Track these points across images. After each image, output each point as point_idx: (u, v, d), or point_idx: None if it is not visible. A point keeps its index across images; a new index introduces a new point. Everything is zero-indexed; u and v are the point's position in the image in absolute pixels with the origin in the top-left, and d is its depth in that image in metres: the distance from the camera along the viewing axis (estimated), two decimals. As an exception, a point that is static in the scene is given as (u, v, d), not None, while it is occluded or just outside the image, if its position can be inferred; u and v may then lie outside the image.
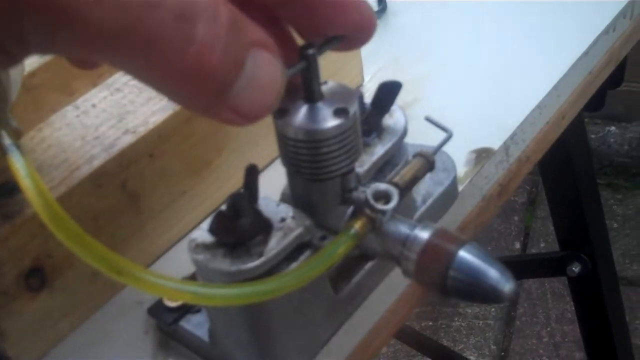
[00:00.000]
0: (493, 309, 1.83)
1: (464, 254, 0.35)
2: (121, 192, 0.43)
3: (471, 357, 1.71)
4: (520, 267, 1.00)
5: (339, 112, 0.36)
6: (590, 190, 0.87)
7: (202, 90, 0.27)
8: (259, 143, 0.50)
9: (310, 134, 0.35)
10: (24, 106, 0.46)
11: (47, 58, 0.50)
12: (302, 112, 0.36)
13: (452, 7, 0.66)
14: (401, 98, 0.43)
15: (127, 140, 0.43)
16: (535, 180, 2.08)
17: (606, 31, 0.61)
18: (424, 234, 0.36)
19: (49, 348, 0.43)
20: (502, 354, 1.74)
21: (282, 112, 0.36)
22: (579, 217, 0.86)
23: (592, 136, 2.09)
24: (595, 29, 0.60)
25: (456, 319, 1.82)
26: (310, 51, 0.34)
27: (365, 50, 0.58)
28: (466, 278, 0.35)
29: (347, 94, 0.36)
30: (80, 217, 0.41)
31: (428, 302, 1.84)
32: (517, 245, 1.97)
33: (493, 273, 0.35)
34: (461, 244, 0.35)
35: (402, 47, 0.62)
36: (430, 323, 1.81)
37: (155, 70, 0.27)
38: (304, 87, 0.35)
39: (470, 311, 1.83)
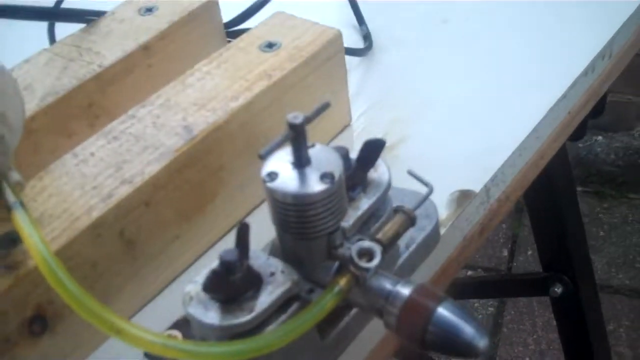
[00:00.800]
0: (480, 316, 1.85)
1: (442, 310, 0.37)
2: (119, 240, 0.45)
3: (458, 365, 1.73)
4: (505, 286, 1.02)
5: (325, 177, 0.38)
6: (572, 214, 0.89)
7: None
8: (248, 187, 0.52)
9: (298, 198, 0.38)
10: (23, 149, 0.48)
11: (46, 102, 0.52)
12: (291, 176, 0.38)
13: (437, 46, 0.68)
14: (388, 139, 0.45)
15: (125, 190, 0.45)
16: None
17: (585, 73, 0.63)
18: (405, 290, 0.38)
19: (48, 388, 0.45)
20: (489, 361, 1.76)
21: (271, 176, 0.38)
22: (561, 240, 0.88)
23: (580, 145, 2.11)
24: (574, 71, 0.63)
25: (444, 326, 1.84)
26: (297, 120, 0.37)
27: (352, 90, 0.61)
28: (444, 333, 0.37)
29: (333, 159, 0.39)
30: (81, 264, 0.44)
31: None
32: (505, 253, 1.99)
33: (469, 330, 0.37)
34: (440, 300, 0.38)
35: (389, 85, 0.64)
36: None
37: None
38: (293, 153, 0.38)
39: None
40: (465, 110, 0.61)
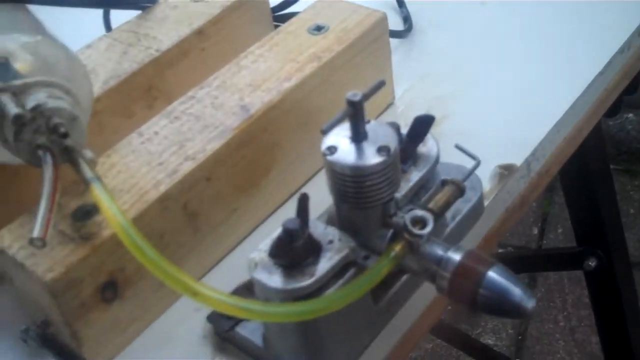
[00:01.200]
0: (511, 294, 1.87)
1: (492, 274, 0.40)
2: (182, 213, 0.48)
3: (489, 341, 1.76)
4: (540, 260, 1.05)
5: (381, 150, 0.40)
6: (607, 189, 0.91)
7: None
8: (300, 163, 0.55)
9: (357, 170, 0.40)
10: (90, 130, 0.51)
11: (108, 85, 0.55)
12: (349, 150, 0.41)
13: (476, 27, 0.70)
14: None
15: (188, 166, 0.48)
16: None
17: (621, 50, 0.65)
18: (456, 256, 0.41)
19: (118, 351, 0.48)
20: (520, 337, 1.78)
21: (331, 150, 0.41)
22: (595, 214, 0.90)
23: (610, 123, 2.11)
24: (611, 49, 0.64)
25: (475, 303, 1.86)
26: (356, 98, 0.39)
27: (395, 70, 0.63)
28: (494, 296, 0.40)
29: (389, 133, 0.41)
30: (150, 235, 0.46)
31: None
32: (535, 231, 2.01)
33: (517, 292, 0.40)
34: (490, 265, 0.40)
35: (429, 66, 0.67)
36: (450, 307, 1.85)
37: None
38: (351, 129, 0.40)
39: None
40: (505, 88, 0.63)
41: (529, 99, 0.62)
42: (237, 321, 0.47)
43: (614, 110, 0.77)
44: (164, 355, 0.48)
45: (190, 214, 0.49)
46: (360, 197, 0.41)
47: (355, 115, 0.40)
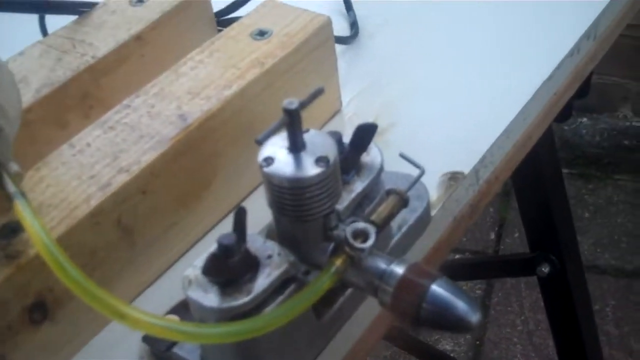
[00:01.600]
0: (469, 299, 1.87)
1: (435, 288, 0.38)
2: (116, 228, 0.46)
3: (447, 347, 1.75)
4: (493, 267, 1.04)
5: (320, 161, 0.39)
6: (559, 194, 0.91)
7: None
8: (243, 173, 0.53)
9: (294, 182, 0.39)
10: (20, 140, 0.48)
11: (41, 94, 0.53)
12: (287, 161, 0.39)
13: (424, 31, 0.69)
14: (378, 124, 0.46)
15: (122, 179, 0.46)
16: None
17: (570, 54, 0.64)
18: (399, 269, 0.40)
19: (51, 374, 0.46)
20: (477, 342, 1.79)
21: (268, 161, 0.39)
22: (547, 220, 0.90)
23: (565, 127, 2.13)
24: (560, 52, 0.64)
25: (433, 309, 1.86)
26: (292, 106, 0.38)
27: (342, 76, 0.62)
28: (437, 310, 0.38)
29: (328, 143, 0.40)
30: (81, 252, 0.44)
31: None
32: (492, 236, 2.01)
33: (461, 305, 0.38)
34: (433, 278, 0.39)
35: (377, 71, 0.65)
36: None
37: None
38: (289, 138, 0.39)
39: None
40: (453, 93, 0.62)
41: (477, 105, 0.61)
42: (174, 342, 0.45)
43: (565, 114, 0.76)
44: (98, 378, 0.46)
45: (125, 229, 0.47)
46: (299, 210, 0.40)
47: (292, 124, 0.38)
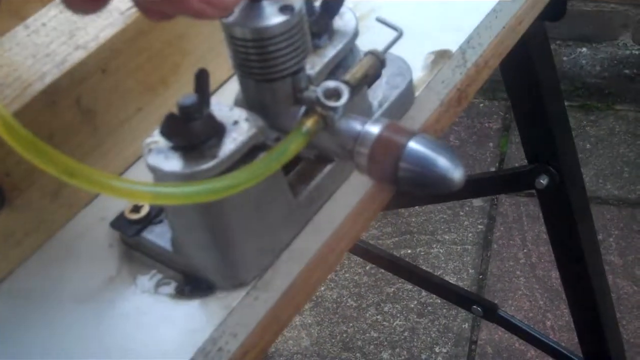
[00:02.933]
0: (470, 234, 1.85)
1: (413, 144, 0.36)
2: (76, 109, 0.43)
3: (450, 282, 1.74)
4: (491, 182, 1.01)
5: (284, 9, 0.36)
6: (556, 103, 0.87)
7: None
8: (212, 59, 0.50)
9: (257, 32, 0.35)
10: (-27, 31, 0.46)
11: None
12: (249, 11, 0.36)
13: None
14: (357, 9, 0.43)
15: (78, 55, 0.43)
16: (509, 106, 2.08)
17: None
18: (374, 129, 0.37)
19: (14, 267, 0.43)
20: (481, 277, 1.77)
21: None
22: (545, 130, 0.86)
23: (564, 58, 2.09)
24: None
25: (434, 245, 1.85)
26: (251, -53, 0.34)
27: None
28: (416, 168, 0.36)
29: (292, -9, 0.36)
30: (36, 135, 0.41)
31: (406, 231, 1.86)
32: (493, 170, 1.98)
33: (442, 162, 0.35)
34: (411, 135, 0.36)
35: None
36: (409, 251, 1.83)
37: None
38: (248, -16, 0.35)
39: (447, 237, 1.85)
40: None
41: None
42: (143, 226, 0.43)
43: (559, 12, 0.73)
44: (66, 269, 0.44)
45: (85, 111, 0.44)
46: (265, 67, 0.37)
47: (251, -33, 0.35)
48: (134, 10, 0.45)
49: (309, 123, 0.37)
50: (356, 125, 0.37)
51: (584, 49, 2.08)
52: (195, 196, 0.34)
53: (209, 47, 0.49)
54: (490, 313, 1.17)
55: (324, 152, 0.40)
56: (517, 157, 1.99)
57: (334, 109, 0.37)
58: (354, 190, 0.46)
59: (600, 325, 1.10)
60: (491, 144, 2.05)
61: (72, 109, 0.43)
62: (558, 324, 1.67)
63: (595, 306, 1.07)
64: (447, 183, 0.35)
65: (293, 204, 0.42)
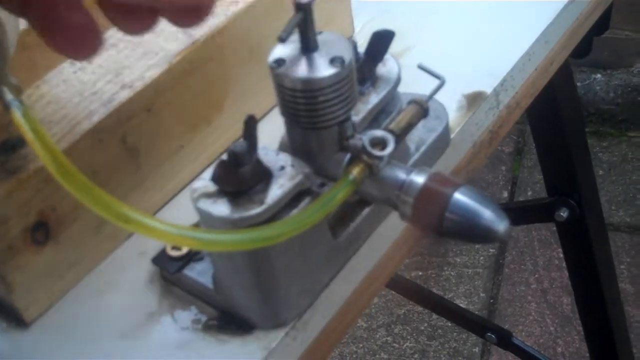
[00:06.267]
0: (482, 257, 1.85)
1: (459, 196, 0.36)
2: (121, 147, 0.44)
3: (461, 305, 1.74)
4: (509, 214, 1.01)
5: (335, 61, 0.36)
6: (578, 136, 0.88)
7: None
8: (254, 96, 0.51)
9: (308, 83, 0.36)
10: (19, 65, 0.46)
11: (39, 15, 0.50)
12: (299, 62, 0.36)
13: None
14: (392, 48, 0.44)
15: (125, 94, 0.44)
16: (522, 129, 2.09)
17: (593, -23, 0.61)
18: (420, 178, 0.37)
19: (56, 299, 0.44)
20: (492, 301, 1.77)
21: (279, 63, 0.37)
22: (566, 163, 0.87)
23: (578, 84, 2.10)
24: (582, -24, 0.61)
25: (445, 268, 1.85)
26: (305, 1, 0.35)
27: (354, 1, 0.59)
28: (462, 219, 0.36)
29: (342, 43, 0.37)
30: (82, 172, 0.42)
31: (418, 253, 1.87)
32: (505, 195, 1.99)
33: (488, 214, 0.36)
34: (456, 186, 0.37)
35: (391, -3, 0.63)
36: (420, 273, 1.83)
37: None
38: (300, 37, 0.36)
39: (459, 260, 1.85)
40: (470, 16, 0.59)
41: (498, 28, 0.58)
42: (185, 263, 0.43)
43: (585, 49, 0.74)
44: (105, 303, 0.44)
45: (130, 148, 0.45)
46: (313, 116, 0.37)
47: (305, 20, 0.35)
48: (179, 51, 0.46)
49: (355, 171, 0.37)
50: (401, 174, 0.38)
51: (598, 76, 2.08)
52: (245, 244, 0.34)
53: (249, 85, 0.50)
54: (505, 341, 1.18)
55: (367, 198, 0.40)
56: (529, 181, 2.00)
57: (380, 157, 0.37)
58: (389, 230, 0.47)
59: (615, 354, 1.10)
60: (503, 168, 2.05)
61: (117, 147, 0.44)
62: (569, 350, 1.67)
63: (611, 334, 1.07)
64: (493, 235, 0.36)
65: (333, 246, 0.42)
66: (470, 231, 0.36)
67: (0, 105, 0.39)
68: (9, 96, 0.38)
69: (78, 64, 0.46)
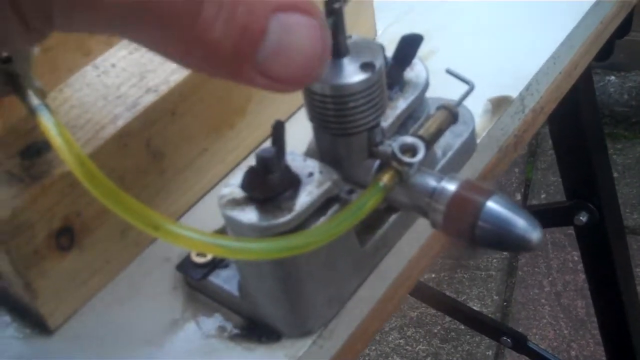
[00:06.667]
0: (495, 260, 1.85)
1: (491, 204, 0.35)
2: (145, 151, 0.44)
3: (474, 308, 1.73)
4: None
5: (365, 67, 0.36)
6: (598, 140, 0.87)
7: (213, 61, 0.28)
8: (279, 101, 0.50)
9: (338, 89, 0.36)
10: (41, 67, 0.46)
11: (62, 18, 0.50)
12: (329, 67, 0.36)
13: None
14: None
15: (149, 98, 0.43)
16: (536, 132, 2.08)
17: (618, -20, 0.61)
18: (451, 186, 0.37)
19: (80, 305, 0.44)
20: (505, 303, 1.76)
21: (309, 68, 0.36)
22: (586, 167, 0.86)
23: (592, 86, 2.08)
24: (607, -22, 0.60)
25: (459, 270, 1.84)
26: (337, 5, 0.35)
27: (376, 4, 0.58)
28: (495, 228, 0.35)
29: (373, 48, 0.37)
30: (107, 176, 0.42)
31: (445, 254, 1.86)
32: (518, 197, 1.98)
33: (521, 222, 0.35)
34: (489, 194, 0.36)
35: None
36: (433, 275, 1.83)
37: (164, 43, 0.27)
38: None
39: (472, 263, 1.85)
40: (495, 19, 0.59)
41: (522, 32, 0.57)
42: (210, 270, 0.43)
43: (607, 52, 0.73)
44: (129, 309, 0.44)
45: (155, 152, 0.44)
46: (343, 122, 0.37)
47: (336, 24, 0.35)
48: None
49: (385, 178, 0.37)
50: (431, 181, 0.37)
51: (613, 77, 2.07)
52: (274, 252, 0.34)
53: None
54: (520, 345, 1.17)
55: (397, 205, 0.40)
56: (542, 184, 1.99)
57: (410, 164, 0.37)
58: (414, 237, 0.46)
59: (634, 357, 1.09)
60: (517, 170, 2.04)
61: (142, 151, 0.43)
62: (583, 354, 1.66)
63: (629, 338, 1.06)
64: (526, 243, 0.35)
65: (360, 254, 0.42)
66: (503, 240, 0.35)
67: (25, 109, 0.39)
68: (35, 100, 0.38)
69: (101, 67, 0.46)
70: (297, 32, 0.28)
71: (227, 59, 0.28)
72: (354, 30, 0.55)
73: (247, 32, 0.27)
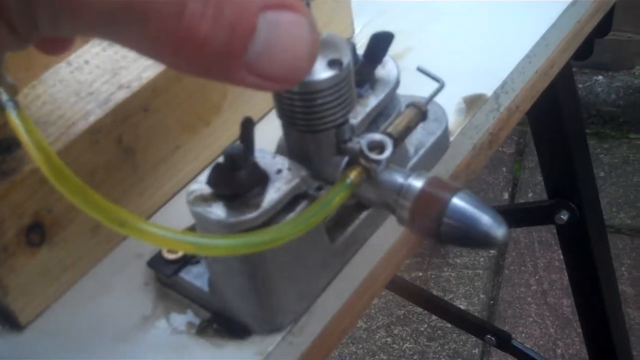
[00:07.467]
0: (482, 259, 1.85)
1: (457, 201, 0.36)
2: (117, 148, 0.44)
3: (461, 306, 1.73)
4: (510, 216, 1.01)
5: (332, 64, 0.36)
6: (579, 139, 0.87)
7: (202, 61, 0.27)
8: (252, 98, 0.50)
9: (305, 86, 0.36)
10: (15, 64, 0.46)
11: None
12: (297, 64, 0.36)
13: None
14: (392, 49, 0.43)
15: (122, 95, 0.43)
16: (523, 131, 2.09)
17: (594, -20, 0.61)
18: (418, 183, 0.37)
19: (51, 301, 0.44)
20: (492, 302, 1.77)
21: (276, 65, 0.36)
22: (567, 165, 0.87)
23: (580, 85, 2.09)
24: (584, -22, 0.60)
25: (445, 269, 1.85)
26: (304, 2, 0.35)
27: (354, 3, 0.59)
28: (460, 224, 0.36)
29: (340, 45, 0.37)
30: (78, 173, 0.41)
31: (418, 254, 1.86)
32: (506, 196, 1.99)
33: (486, 219, 0.35)
34: (454, 191, 0.36)
35: (391, -1, 0.62)
36: (420, 274, 1.83)
37: (151, 45, 0.27)
38: (298, 39, 0.36)
39: (459, 261, 1.85)
40: (471, 19, 0.59)
41: (498, 31, 0.58)
42: (181, 266, 0.43)
43: (586, 52, 0.73)
44: (101, 305, 0.44)
45: (127, 149, 0.44)
46: (311, 119, 0.37)
47: (302, 22, 0.35)
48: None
49: (353, 175, 0.37)
50: (399, 178, 0.37)
51: (600, 77, 2.08)
52: (241, 248, 0.34)
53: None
54: (504, 343, 1.17)
55: (365, 202, 0.40)
56: (530, 183, 2.00)
57: (378, 161, 0.37)
58: (386, 235, 0.46)
59: (615, 356, 1.10)
60: (504, 169, 2.05)
61: (113, 147, 0.43)
62: (569, 352, 1.67)
63: (610, 337, 1.07)
64: (490, 240, 0.35)
65: (330, 250, 0.42)
66: (468, 236, 0.36)
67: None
68: (3, 96, 0.38)
69: (75, 64, 0.46)
70: (285, 29, 0.28)
71: (217, 58, 0.28)
72: (330, 28, 0.55)
73: (236, 30, 0.27)
